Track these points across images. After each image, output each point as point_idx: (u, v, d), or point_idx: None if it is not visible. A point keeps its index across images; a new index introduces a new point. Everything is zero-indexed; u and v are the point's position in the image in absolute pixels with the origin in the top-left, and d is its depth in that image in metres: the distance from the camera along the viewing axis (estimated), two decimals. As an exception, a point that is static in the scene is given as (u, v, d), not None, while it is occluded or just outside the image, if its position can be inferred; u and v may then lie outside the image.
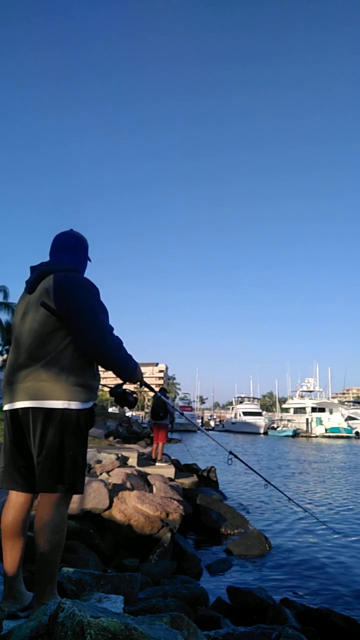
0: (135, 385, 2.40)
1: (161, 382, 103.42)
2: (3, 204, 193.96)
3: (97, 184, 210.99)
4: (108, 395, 2.22)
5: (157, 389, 9.73)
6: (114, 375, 2.01)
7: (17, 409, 1.89)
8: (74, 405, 1.86)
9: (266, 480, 3.42)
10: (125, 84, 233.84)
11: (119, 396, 2.10)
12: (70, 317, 1.87)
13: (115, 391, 2.10)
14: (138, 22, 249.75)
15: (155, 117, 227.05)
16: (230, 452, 3.13)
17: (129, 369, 1.97)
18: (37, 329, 1.89)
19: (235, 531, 6.52)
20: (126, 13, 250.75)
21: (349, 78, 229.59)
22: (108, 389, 2.17)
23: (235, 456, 3.12)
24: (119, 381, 2.10)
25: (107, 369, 1.96)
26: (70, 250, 2.14)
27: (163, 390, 9.82)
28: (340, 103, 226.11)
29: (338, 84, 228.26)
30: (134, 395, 2.12)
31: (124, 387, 2.14)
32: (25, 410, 1.86)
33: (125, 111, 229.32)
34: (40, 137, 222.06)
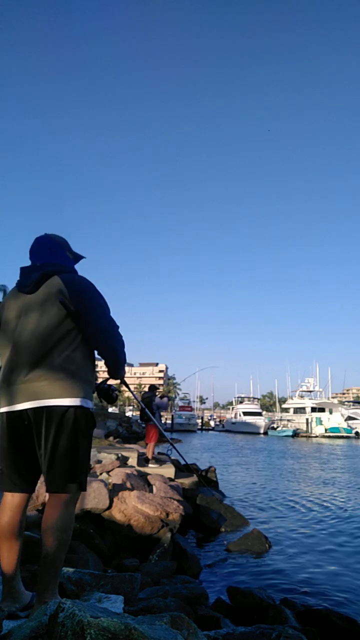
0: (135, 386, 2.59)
1: (161, 382, 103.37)
2: (3, 204, 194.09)
3: (97, 183, 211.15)
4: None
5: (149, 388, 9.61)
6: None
7: (21, 410, 1.86)
8: (90, 403, 1.93)
9: (187, 464, 3.96)
10: (124, 82, 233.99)
11: (105, 392, 2.23)
12: (87, 316, 1.92)
13: (102, 387, 2.23)
14: (137, 21, 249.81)
15: (154, 117, 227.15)
16: (171, 443, 3.97)
17: (121, 369, 2.09)
18: (44, 329, 1.88)
19: (236, 531, 6.52)
20: (125, 11, 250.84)
21: (350, 77, 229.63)
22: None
23: (173, 446, 3.73)
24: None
25: (109, 365, 2.06)
26: (58, 251, 2.14)
27: (152, 387, 9.42)
28: (342, 102, 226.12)
29: (340, 84, 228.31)
30: (116, 392, 2.33)
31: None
32: (40, 410, 1.84)
33: (125, 110, 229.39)
34: (38, 136, 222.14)
